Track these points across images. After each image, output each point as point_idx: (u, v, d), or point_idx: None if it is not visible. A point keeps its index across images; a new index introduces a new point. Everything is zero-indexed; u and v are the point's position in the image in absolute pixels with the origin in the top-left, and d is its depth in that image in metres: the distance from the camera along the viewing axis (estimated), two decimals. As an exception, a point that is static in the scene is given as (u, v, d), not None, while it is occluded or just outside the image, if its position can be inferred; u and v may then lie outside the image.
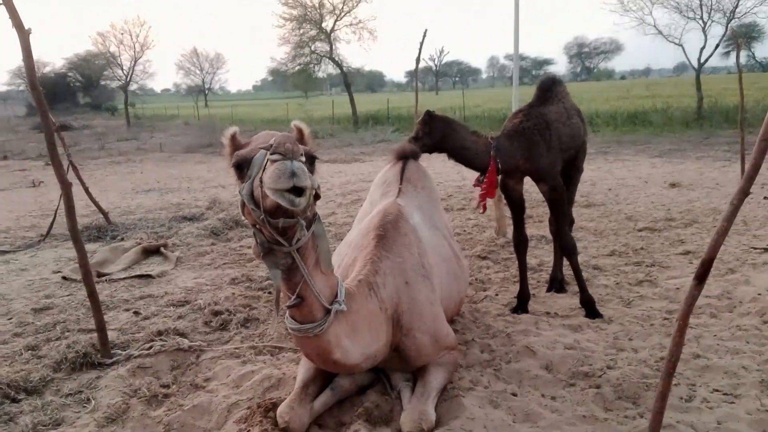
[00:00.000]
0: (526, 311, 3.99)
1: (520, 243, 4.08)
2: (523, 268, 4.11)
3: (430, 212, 3.48)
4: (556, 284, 4.45)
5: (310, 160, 2.01)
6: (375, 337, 2.49)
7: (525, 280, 4.10)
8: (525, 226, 4.13)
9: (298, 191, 1.80)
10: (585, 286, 3.97)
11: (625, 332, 3.57)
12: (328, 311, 2.21)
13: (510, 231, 4.30)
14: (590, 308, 3.90)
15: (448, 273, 3.23)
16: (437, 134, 3.70)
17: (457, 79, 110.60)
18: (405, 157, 3.72)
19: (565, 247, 3.96)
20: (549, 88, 4.09)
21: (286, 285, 2.14)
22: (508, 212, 4.26)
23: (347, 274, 2.76)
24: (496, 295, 4.40)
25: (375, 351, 2.50)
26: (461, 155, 3.71)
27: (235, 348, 3.53)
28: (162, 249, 5.99)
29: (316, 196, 2.01)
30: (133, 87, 40.98)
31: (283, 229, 1.97)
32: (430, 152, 3.83)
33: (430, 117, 3.72)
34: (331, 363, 2.35)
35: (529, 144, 3.74)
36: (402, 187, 3.45)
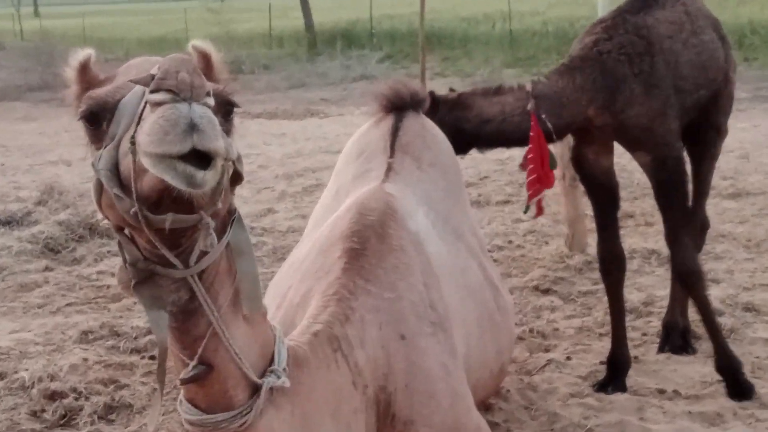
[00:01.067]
0: (622, 388, 4.03)
1: (612, 263, 4.11)
2: (617, 309, 4.15)
3: (445, 208, 3.50)
4: (676, 338, 4.49)
5: (225, 109, 1.99)
6: (344, 436, 2.49)
7: (621, 331, 4.14)
8: (620, 233, 4.15)
9: (201, 160, 1.77)
10: (723, 341, 4.00)
11: (801, 425, 3.61)
12: (257, 389, 2.21)
13: (593, 242, 4.32)
14: (736, 382, 3.93)
15: (479, 319, 3.25)
16: (447, 128, 3.83)
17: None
18: (400, 107, 3.72)
19: (681, 270, 4.00)
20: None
21: (179, 341, 2.13)
22: (589, 209, 4.29)
23: (294, 320, 2.76)
24: (568, 359, 4.44)
25: (344, 462, 2.50)
26: (485, 135, 3.86)
27: (88, 459, 3.52)
28: (-47, 278, 5.98)
29: (236, 177, 2.00)
30: None
31: (174, 235, 1.95)
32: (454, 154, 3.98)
33: (433, 104, 3.84)
34: (262, 485, 2.34)
35: (611, 80, 3.80)
36: (393, 163, 3.46)
